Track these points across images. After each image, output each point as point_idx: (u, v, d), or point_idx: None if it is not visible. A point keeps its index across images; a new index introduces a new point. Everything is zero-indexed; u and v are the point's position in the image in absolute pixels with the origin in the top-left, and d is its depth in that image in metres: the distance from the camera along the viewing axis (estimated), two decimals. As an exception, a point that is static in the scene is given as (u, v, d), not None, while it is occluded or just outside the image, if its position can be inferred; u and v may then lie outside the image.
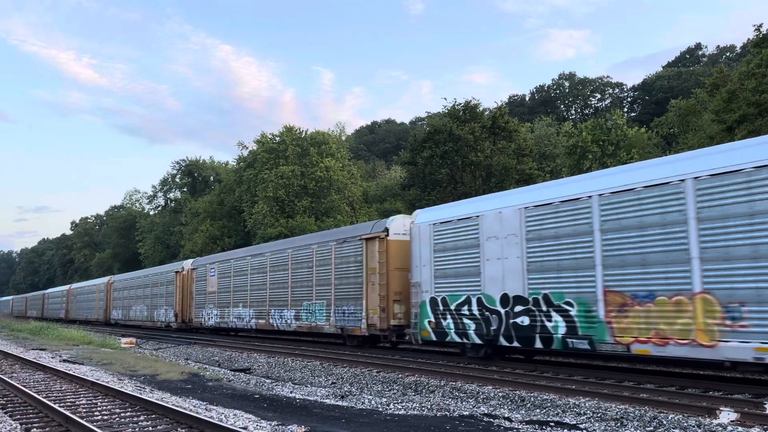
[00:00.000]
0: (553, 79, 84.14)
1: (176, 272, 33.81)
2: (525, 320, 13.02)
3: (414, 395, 11.13)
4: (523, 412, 9.26)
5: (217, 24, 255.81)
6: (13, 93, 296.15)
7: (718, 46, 75.85)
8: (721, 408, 8.44)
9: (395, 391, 11.78)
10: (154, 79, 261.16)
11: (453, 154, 38.03)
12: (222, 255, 31.79)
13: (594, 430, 7.83)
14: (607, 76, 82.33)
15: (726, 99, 27.31)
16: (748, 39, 38.76)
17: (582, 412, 8.99)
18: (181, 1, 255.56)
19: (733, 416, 8.13)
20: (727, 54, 71.25)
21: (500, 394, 10.65)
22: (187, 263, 33.87)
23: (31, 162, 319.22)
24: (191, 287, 31.94)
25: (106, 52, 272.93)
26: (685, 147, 33.19)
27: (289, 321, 22.72)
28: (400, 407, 9.69)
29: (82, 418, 8.30)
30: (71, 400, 10.22)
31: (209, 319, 29.47)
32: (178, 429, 7.72)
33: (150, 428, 7.85)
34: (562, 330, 12.24)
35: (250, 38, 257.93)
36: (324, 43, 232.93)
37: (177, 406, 8.79)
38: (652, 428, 7.86)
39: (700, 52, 78.34)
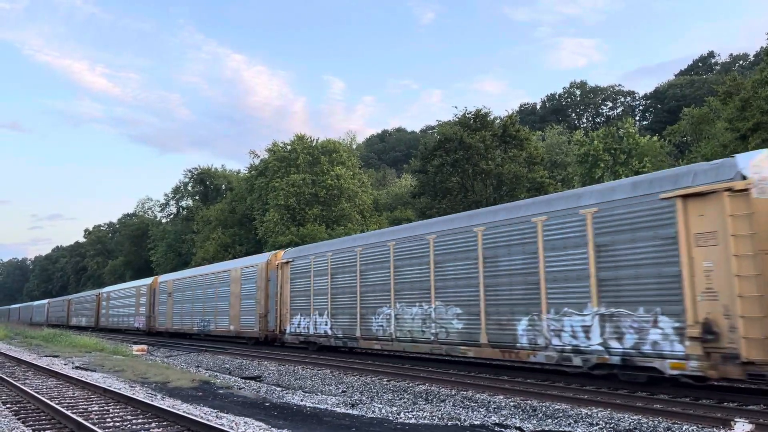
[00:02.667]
0: (564, 88, 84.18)
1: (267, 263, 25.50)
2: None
3: (425, 404, 11.08)
4: (535, 422, 9.19)
5: (229, 34, 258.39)
6: (27, 103, 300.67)
7: (731, 54, 75.69)
8: (735, 419, 8.34)
9: (406, 400, 11.74)
10: (167, 89, 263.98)
11: (464, 163, 38.03)
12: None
13: (606, 440, 7.75)
14: (619, 85, 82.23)
15: (739, 107, 27.16)
16: (762, 47, 38.52)
17: (594, 422, 8.90)
18: (193, 12, 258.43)
19: (748, 427, 8.02)
20: (740, 62, 70.87)
21: (511, 404, 10.58)
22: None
23: (44, 171, 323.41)
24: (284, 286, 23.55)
25: (118, 62, 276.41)
26: (699, 155, 32.96)
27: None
28: (410, 416, 9.65)
29: (94, 424, 8.34)
30: (83, 406, 10.27)
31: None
32: (189, 436, 7.73)
33: (161, 435, 7.87)
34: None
35: (261, 48, 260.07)
36: (334, 52, 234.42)
37: (188, 414, 8.81)
38: (665, 439, 7.77)
39: (713, 60, 77.98)
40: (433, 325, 15.75)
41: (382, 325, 17.99)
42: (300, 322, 22.43)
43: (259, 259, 26.93)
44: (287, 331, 23.17)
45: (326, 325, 20.78)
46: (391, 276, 17.68)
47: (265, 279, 25.43)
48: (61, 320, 65.78)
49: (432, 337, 15.77)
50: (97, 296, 53.90)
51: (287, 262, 23.69)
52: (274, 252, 26.87)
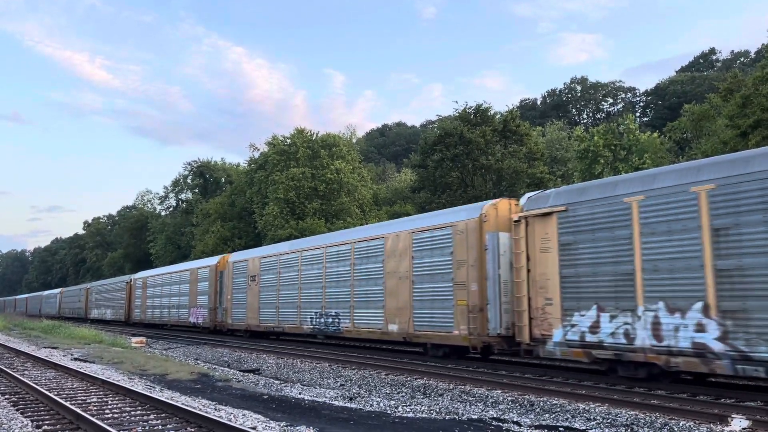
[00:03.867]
0: (565, 83, 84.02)
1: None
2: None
3: (422, 398, 11.10)
4: (532, 416, 9.22)
5: (230, 27, 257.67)
6: (28, 94, 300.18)
7: (733, 51, 75.47)
8: (732, 415, 8.36)
9: (404, 393, 11.76)
10: (167, 81, 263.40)
11: (463, 158, 38.00)
12: None
13: (604, 435, 7.77)
14: (620, 81, 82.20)
15: (740, 104, 27.12)
16: (763, 44, 38.48)
17: (592, 417, 8.93)
18: (194, 4, 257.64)
19: (745, 423, 8.04)
20: (742, 59, 70.74)
21: (509, 398, 10.60)
22: None
23: (44, 162, 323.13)
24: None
25: (119, 54, 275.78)
26: (699, 152, 32.93)
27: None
28: (408, 410, 9.67)
29: (92, 415, 8.35)
30: (82, 397, 10.29)
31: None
32: (188, 428, 7.75)
33: (159, 427, 7.89)
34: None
35: (262, 41, 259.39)
36: (335, 46, 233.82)
37: (186, 406, 8.83)
38: (662, 435, 7.80)
39: (714, 57, 77.83)
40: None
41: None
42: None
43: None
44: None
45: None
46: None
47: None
48: (78, 312, 58.03)
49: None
50: (127, 283, 44.65)
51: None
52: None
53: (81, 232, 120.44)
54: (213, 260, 31.50)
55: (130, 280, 44.65)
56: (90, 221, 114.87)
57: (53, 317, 59.40)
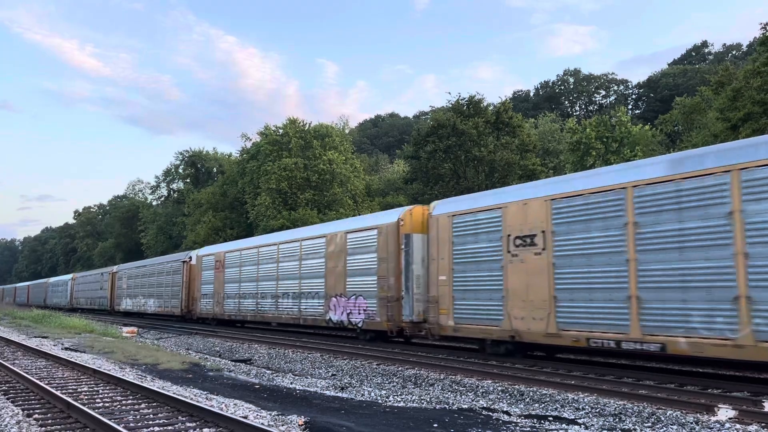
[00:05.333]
0: (558, 75, 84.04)
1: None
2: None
3: (413, 388, 11.17)
4: (522, 406, 9.30)
5: (221, 15, 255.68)
6: (18, 82, 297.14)
7: (725, 44, 75.80)
8: (719, 405, 8.47)
9: (395, 383, 11.83)
10: (158, 70, 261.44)
11: (456, 149, 38.00)
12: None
13: (592, 425, 7.86)
14: (613, 73, 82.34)
15: (731, 97, 27.25)
16: (755, 37, 38.61)
17: (581, 407, 9.02)
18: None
19: (732, 413, 8.15)
20: (733, 52, 71.02)
21: (499, 388, 10.69)
22: None
23: (34, 151, 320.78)
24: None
25: (109, 41, 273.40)
26: (690, 145, 33.11)
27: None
28: (399, 399, 9.73)
29: (83, 404, 8.35)
30: (73, 387, 10.29)
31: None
32: (179, 417, 7.77)
33: (151, 416, 7.91)
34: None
35: (254, 30, 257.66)
36: (328, 35, 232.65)
37: (178, 395, 8.84)
38: (650, 424, 7.89)
39: (706, 50, 78.06)
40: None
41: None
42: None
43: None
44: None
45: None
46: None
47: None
48: (100, 303, 47.57)
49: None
50: (184, 263, 32.60)
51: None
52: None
53: (71, 221, 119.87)
54: (380, 218, 19.17)
55: (188, 258, 32.79)
56: (80, 210, 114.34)
57: (61, 308, 53.94)
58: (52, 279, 72.22)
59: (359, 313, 18.87)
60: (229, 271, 28.01)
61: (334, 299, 20.11)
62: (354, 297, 19.21)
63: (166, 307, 34.80)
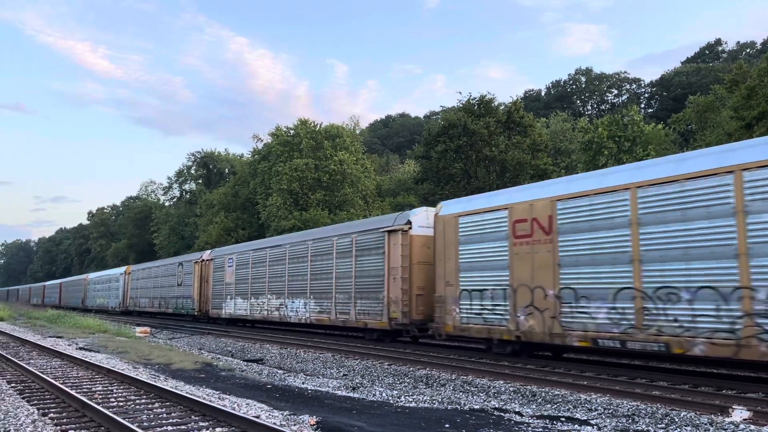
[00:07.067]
0: (569, 74, 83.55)
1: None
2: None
3: (425, 388, 11.17)
4: (534, 406, 9.27)
5: (231, 16, 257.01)
6: (31, 84, 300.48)
7: (738, 42, 74.89)
8: (734, 406, 8.39)
9: (406, 383, 11.83)
10: (169, 71, 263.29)
11: (467, 149, 37.91)
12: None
13: (605, 426, 7.81)
14: (625, 72, 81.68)
15: (745, 95, 26.98)
16: (770, 35, 38.18)
17: (593, 408, 8.97)
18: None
19: (746, 414, 8.08)
20: (747, 50, 70.23)
21: (511, 389, 10.66)
22: None
23: (48, 152, 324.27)
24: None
25: (121, 43, 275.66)
26: (703, 143, 32.82)
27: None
28: (410, 400, 9.73)
29: (98, 403, 8.43)
30: (88, 386, 10.38)
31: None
32: (192, 416, 7.82)
33: (164, 415, 7.97)
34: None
35: (264, 30, 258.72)
36: (338, 36, 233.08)
37: (191, 395, 8.90)
38: (663, 425, 7.83)
39: (720, 48, 77.22)
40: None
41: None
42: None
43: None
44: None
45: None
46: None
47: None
48: (177, 306, 34.78)
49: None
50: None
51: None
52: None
53: (85, 222, 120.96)
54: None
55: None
56: (94, 211, 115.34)
57: (110, 312, 45.02)
58: (93, 274, 57.28)
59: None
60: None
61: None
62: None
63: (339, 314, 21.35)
